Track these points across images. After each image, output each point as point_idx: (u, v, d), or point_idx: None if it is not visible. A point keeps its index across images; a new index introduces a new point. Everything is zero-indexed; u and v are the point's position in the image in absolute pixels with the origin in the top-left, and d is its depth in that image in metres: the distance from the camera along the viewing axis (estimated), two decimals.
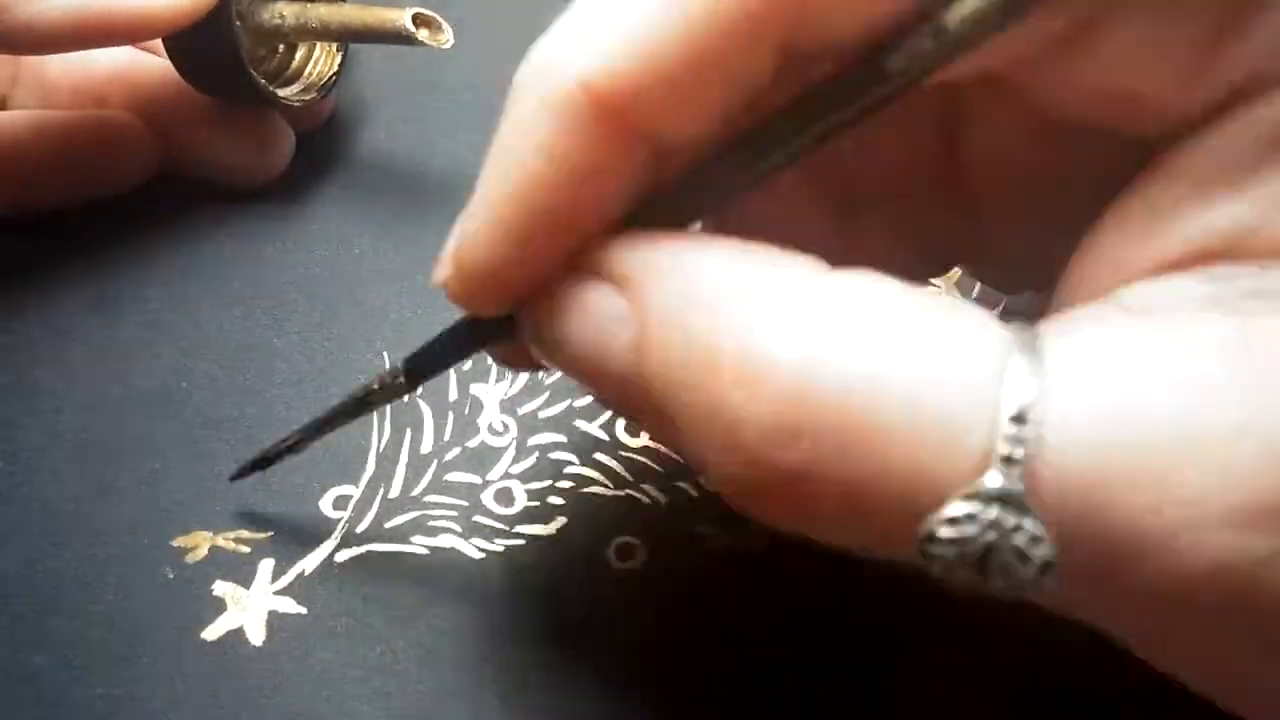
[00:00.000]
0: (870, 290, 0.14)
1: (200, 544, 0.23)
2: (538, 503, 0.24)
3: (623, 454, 0.25)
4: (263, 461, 0.23)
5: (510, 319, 0.17)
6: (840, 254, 0.15)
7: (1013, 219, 0.19)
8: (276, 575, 0.23)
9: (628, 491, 0.25)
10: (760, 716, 0.21)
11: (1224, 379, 0.12)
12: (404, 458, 0.25)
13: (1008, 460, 0.13)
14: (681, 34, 0.14)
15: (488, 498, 0.24)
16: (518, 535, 0.24)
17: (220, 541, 0.24)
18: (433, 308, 0.28)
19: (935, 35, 0.14)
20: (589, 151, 0.15)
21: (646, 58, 0.14)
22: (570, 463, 0.25)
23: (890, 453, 0.13)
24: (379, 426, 0.25)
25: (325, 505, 0.24)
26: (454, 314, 0.27)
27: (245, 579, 0.23)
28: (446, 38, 0.27)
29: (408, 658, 0.22)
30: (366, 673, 0.22)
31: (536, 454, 0.25)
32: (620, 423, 0.26)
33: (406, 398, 0.21)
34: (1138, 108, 0.15)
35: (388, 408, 0.26)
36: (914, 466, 0.13)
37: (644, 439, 0.25)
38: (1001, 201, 0.19)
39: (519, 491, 0.25)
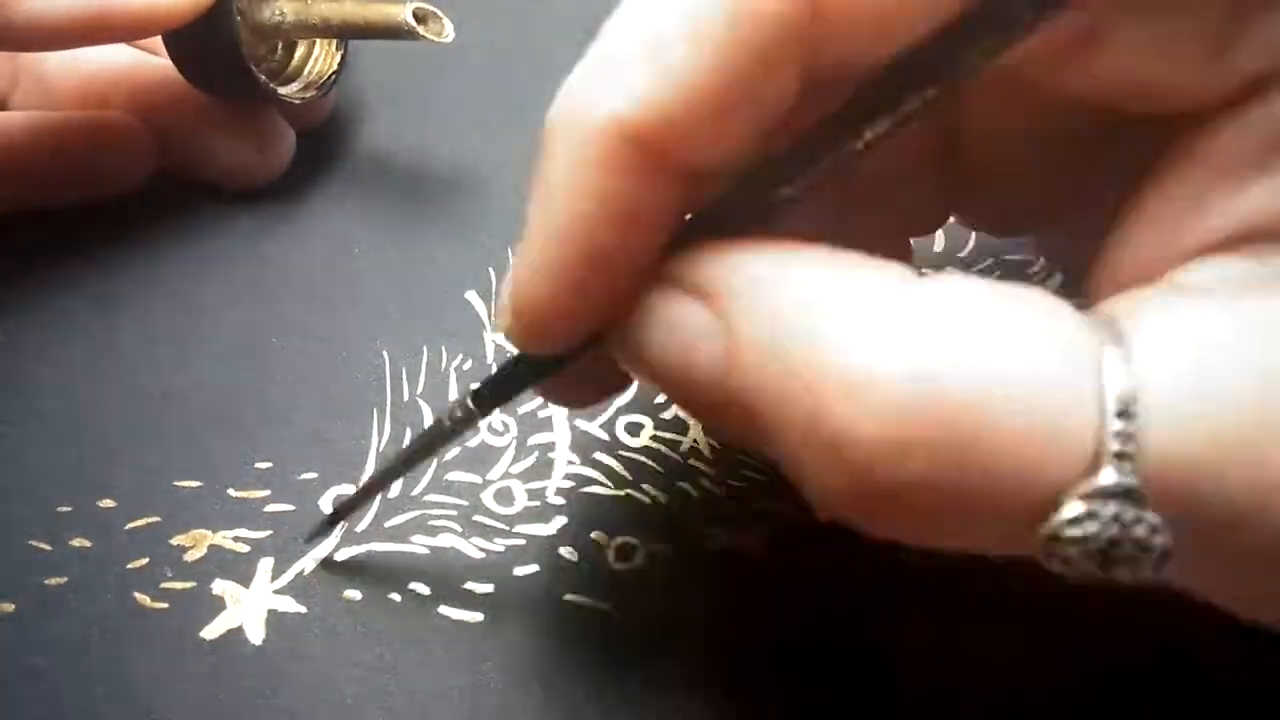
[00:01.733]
0: (965, 294, 0.14)
1: (199, 543, 0.23)
2: (538, 503, 0.24)
3: (623, 454, 0.25)
4: (335, 518, 0.23)
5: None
6: (833, 219, 0.15)
7: (1007, 177, 0.20)
8: (276, 574, 0.23)
9: (628, 491, 0.25)
10: (761, 716, 0.21)
11: None
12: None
13: (1120, 455, 0.13)
14: (710, 65, 0.14)
15: (488, 497, 0.24)
16: (518, 535, 0.24)
17: (220, 540, 0.23)
18: (433, 307, 0.28)
19: (954, 59, 0.14)
20: (629, 188, 0.15)
21: (677, 91, 0.14)
22: (570, 462, 0.25)
23: (1004, 459, 0.13)
24: (379, 425, 0.25)
25: (325, 504, 0.24)
26: (456, 317, 0.28)
27: (245, 578, 0.23)
28: (447, 32, 0.27)
29: (407, 657, 0.22)
30: (366, 672, 0.22)
31: (536, 454, 0.25)
32: (620, 422, 0.26)
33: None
34: (1150, 96, 0.15)
35: (387, 406, 0.26)
36: (1029, 470, 0.13)
37: (644, 439, 0.25)
38: (997, 164, 0.20)
39: (519, 491, 0.25)
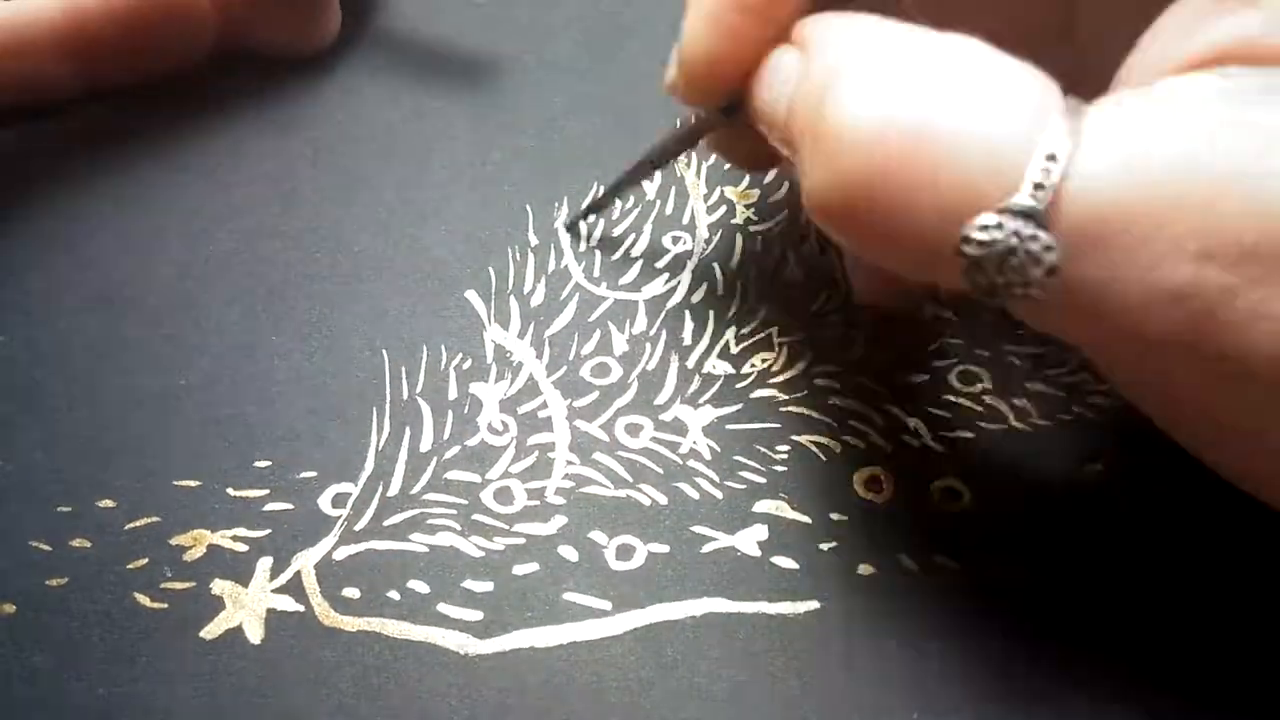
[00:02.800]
0: (959, 52, 0.18)
1: (199, 542, 0.23)
2: (537, 502, 0.24)
3: (622, 454, 0.25)
4: (594, 208, 0.29)
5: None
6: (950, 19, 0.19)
7: (1117, 51, 0.21)
8: (275, 573, 0.23)
9: (628, 492, 0.25)
10: (759, 716, 0.21)
11: (1219, 149, 0.15)
12: (403, 455, 0.25)
13: (1037, 186, 0.16)
14: None
15: (487, 496, 0.24)
16: (517, 534, 0.24)
17: (219, 540, 0.24)
18: (433, 306, 0.28)
19: None
20: None
21: None
22: (570, 463, 0.25)
23: (944, 175, 0.17)
24: (378, 424, 0.25)
25: (324, 503, 0.24)
26: (455, 316, 0.28)
27: (244, 577, 0.23)
28: None
29: (407, 656, 0.22)
30: (365, 671, 0.22)
31: (536, 453, 0.25)
32: (620, 423, 0.26)
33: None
34: None
35: (386, 405, 0.26)
36: (962, 185, 0.17)
37: (644, 440, 0.25)
38: (1107, 37, 0.21)
39: (519, 491, 0.25)
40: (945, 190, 0.17)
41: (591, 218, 0.30)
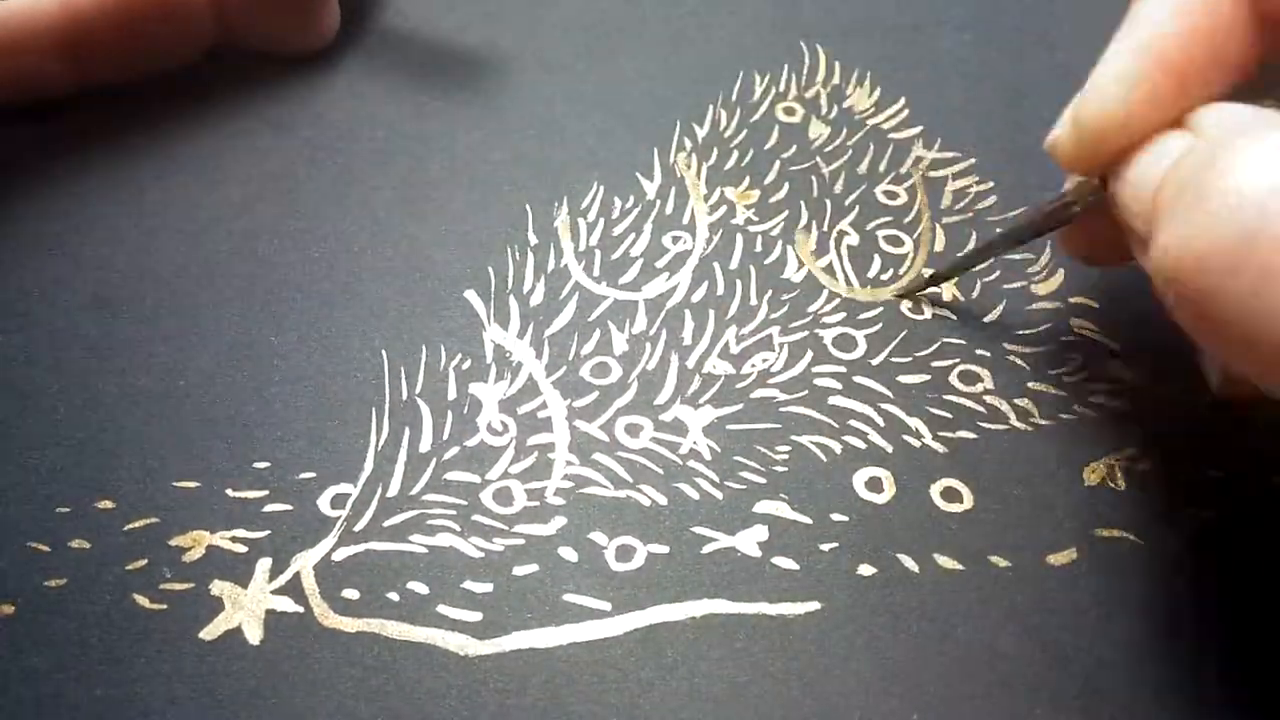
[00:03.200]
0: None
1: (198, 543, 0.23)
2: (537, 503, 0.24)
3: (622, 454, 0.25)
4: (938, 278, 0.27)
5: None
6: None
7: None
8: (274, 574, 0.23)
9: (627, 492, 0.24)
10: (759, 716, 0.21)
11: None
12: (402, 456, 0.25)
13: None
14: None
15: (487, 497, 0.24)
16: (517, 535, 0.24)
17: (218, 541, 0.23)
18: (432, 307, 0.28)
19: None
20: (1223, 11, 0.19)
21: None
22: (570, 463, 0.25)
23: None
24: (377, 425, 0.25)
25: (323, 504, 0.24)
26: (455, 316, 0.28)
27: (243, 578, 0.23)
28: None
29: (406, 657, 0.22)
30: (364, 672, 0.22)
31: (536, 454, 0.25)
32: (620, 424, 0.26)
33: None
34: None
35: (385, 406, 0.26)
36: None
37: (644, 441, 0.25)
38: None
39: (518, 491, 0.25)
40: None
41: (591, 217, 0.30)
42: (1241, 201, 0.16)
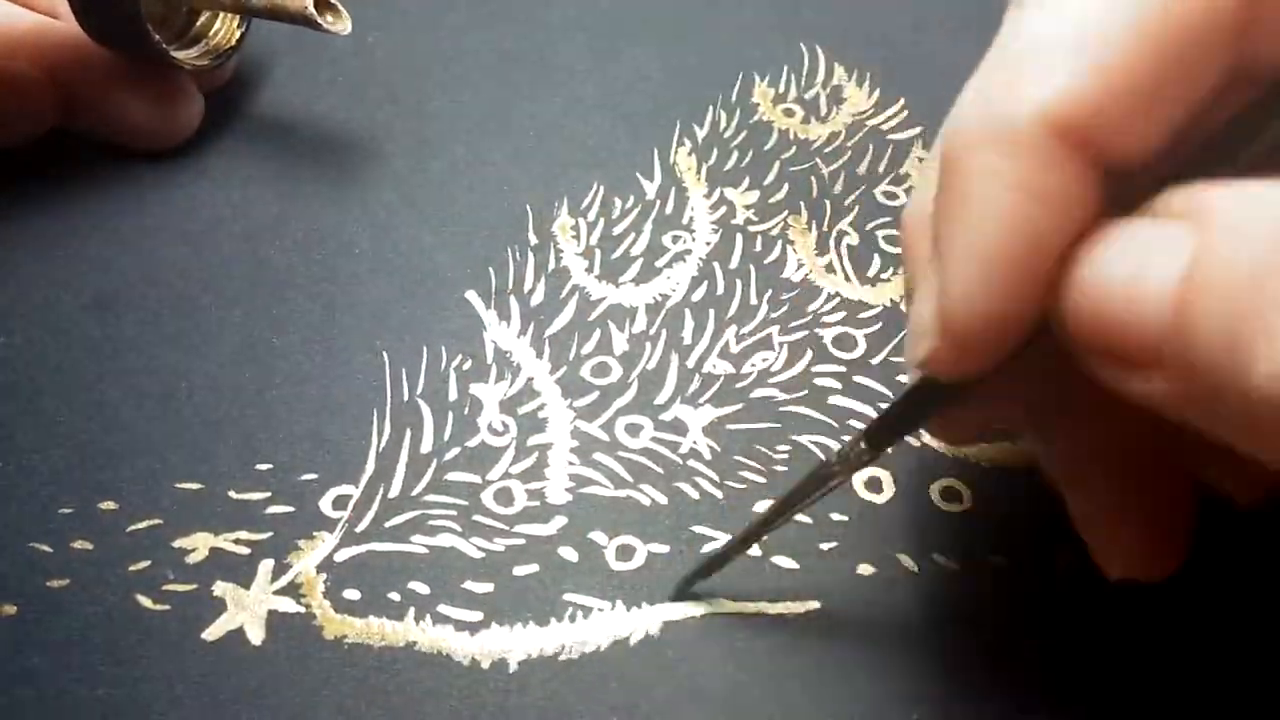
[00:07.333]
0: None
1: (200, 545, 0.23)
2: (537, 503, 0.24)
3: (622, 454, 0.25)
4: (705, 571, 0.22)
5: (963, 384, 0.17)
6: None
7: None
8: (276, 575, 0.23)
9: (628, 492, 0.25)
10: (760, 714, 0.21)
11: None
12: (404, 457, 0.25)
13: None
14: (1140, 53, 0.14)
15: (487, 497, 0.24)
16: (517, 535, 0.24)
17: (220, 542, 0.24)
18: (433, 307, 0.28)
19: None
20: (1061, 183, 0.15)
21: (1108, 80, 0.14)
22: (570, 463, 0.25)
23: None
24: (378, 426, 0.25)
25: (325, 505, 0.24)
26: (455, 317, 0.28)
27: (245, 579, 0.23)
28: (345, 25, 0.28)
29: (406, 657, 0.22)
30: (365, 672, 0.22)
31: (536, 454, 0.25)
32: (620, 423, 0.26)
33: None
34: None
35: (387, 407, 0.26)
36: None
37: (644, 440, 0.25)
38: None
39: (519, 491, 0.25)
40: None
41: (591, 217, 0.30)
42: None
